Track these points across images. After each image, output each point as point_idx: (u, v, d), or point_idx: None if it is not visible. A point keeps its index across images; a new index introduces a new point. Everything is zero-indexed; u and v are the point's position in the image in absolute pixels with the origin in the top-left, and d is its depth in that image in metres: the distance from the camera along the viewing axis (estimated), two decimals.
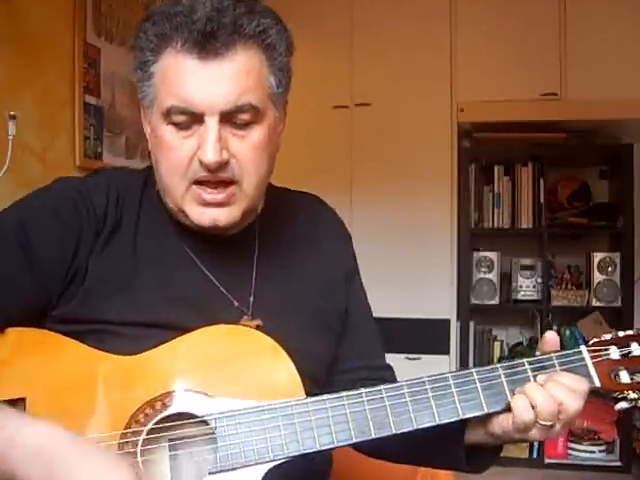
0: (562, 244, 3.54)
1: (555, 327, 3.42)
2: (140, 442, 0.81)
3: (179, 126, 0.87)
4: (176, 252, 0.94)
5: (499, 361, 3.40)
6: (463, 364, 3.42)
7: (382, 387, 0.84)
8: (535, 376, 0.85)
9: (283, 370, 0.85)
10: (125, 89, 2.70)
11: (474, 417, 0.84)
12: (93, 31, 2.51)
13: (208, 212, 0.89)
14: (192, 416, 0.82)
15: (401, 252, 3.40)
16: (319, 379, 0.98)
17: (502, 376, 0.85)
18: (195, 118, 0.86)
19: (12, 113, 2.01)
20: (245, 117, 0.87)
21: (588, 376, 0.84)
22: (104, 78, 2.57)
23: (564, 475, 3.17)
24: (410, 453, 0.98)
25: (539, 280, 3.44)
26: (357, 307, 1.08)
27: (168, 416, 0.82)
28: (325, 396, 0.83)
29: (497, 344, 3.55)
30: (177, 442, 0.83)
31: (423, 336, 3.34)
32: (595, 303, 3.37)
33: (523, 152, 3.49)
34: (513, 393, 0.83)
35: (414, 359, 3.25)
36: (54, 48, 2.33)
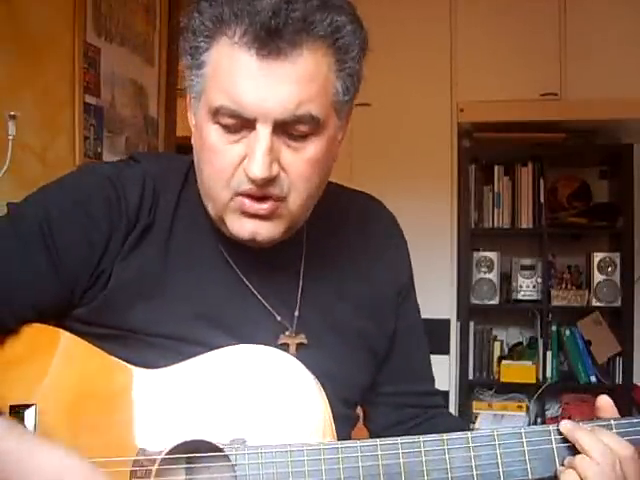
0: (562, 244, 3.53)
1: (555, 327, 3.42)
2: (154, 472, 0.75)
3: (227, 129, 0.77)
4: (213, 258, 0.86)
5: (499, 361, 3.36)
6: (463, 364, 3.42)
7: (421, 439, 0.76)
8: None
9: (315, 405, 0.79)
10: (125, 89, 2.70)
11: None
12: (93, 31, 2.50)
13: (248, 224, 0.80)
14: (212, 446, 0.76)
15: None
16: (351, 401, 0.92)
17: (553, 441, 0.76)
18: (246, 123, 0.76)
19: (12, 113, 2.01)
20: (303, 129, 0.77)
21: None
22: (104, 78, 2.57)
23: None
24: None
25: (539, 280, 3.44)
26: (408, 327, 1.00)
27: (186, 442, 0.77)
28: (358, 442, 0.76)
29: (497, 344, 3.54)
30: (194, 476, 0.77)
31: None
32: (595, 303, 3.37)
33: (523, 152, 3.48)
34: (562, 459, 0.76)
35: None
36: (54, 48, 2.33)
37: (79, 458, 0.72)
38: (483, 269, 3.47)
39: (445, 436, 0.76)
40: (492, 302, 3.46)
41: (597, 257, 3.38)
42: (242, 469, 0.74)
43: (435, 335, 3.37)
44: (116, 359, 0.81)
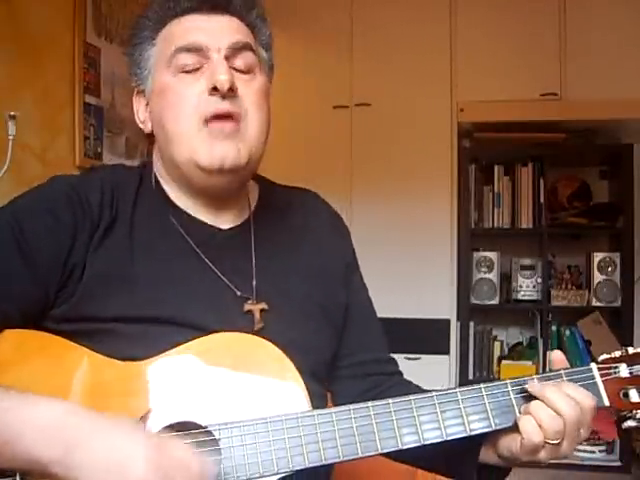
0: (562, 244, 3.54)
1: (555, 327, 3.43)
2: None
3: (186, 70, 0.90)
4: (176, 243, 0.94)
5: (499, 361, 3.38)
6: (463, 364, 3.42)
7: (390, 401, 0.82)
8: None
9: (290, 382, 0.84)
10: (125, 89, 2.70)
11: (483, 435, 0.84)
12: (93, 31, 2.51)
13: (218, 148, 0.89)
14: (196, 426, 0.81)
15: (401, 252, 3.40)
16: (319, 374, 0.98)
17: (511, 392, 0.84)
18: (201, 56, 0.90)
19: (12, 113, 2.01)
20: (247, 60, 0.93)
21: (597, 394, 0.84)
22: (104, 78, 2.57)
23: (564, 475, 3.17)
24: (424, 462, 0.99)
25: (539, 280, 3.44)
26: (359, 300, 1.08)
27: (171, 425, 0.81)
28: (333, 409, 0.82)
29: (497, 344, 3.55)
30: None
31: (423, 336, 3.34)
32: (595, 303, 3.37)
33: (523, 152, 3.48)
34: (520, 409, 0.83)
35: (414, 359, 3.24)
36: (54, 48, 2.33)
37: (78, 405, 0.75)
38: (483, 269, 3.47)
39: (412, 397, 0.83)
40: (492, 302, 3.46)
41: (597, 257, 3.38)
42: (225, 442, 0.79)
43: (435, 335, 3.38)
44: (102, 356, 0.84)
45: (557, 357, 0.88)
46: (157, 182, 0.99)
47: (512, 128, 3.32)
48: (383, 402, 0.82)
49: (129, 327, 0.87)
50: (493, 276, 3.46)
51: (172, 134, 0.92)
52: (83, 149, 2.44)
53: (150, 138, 0.99)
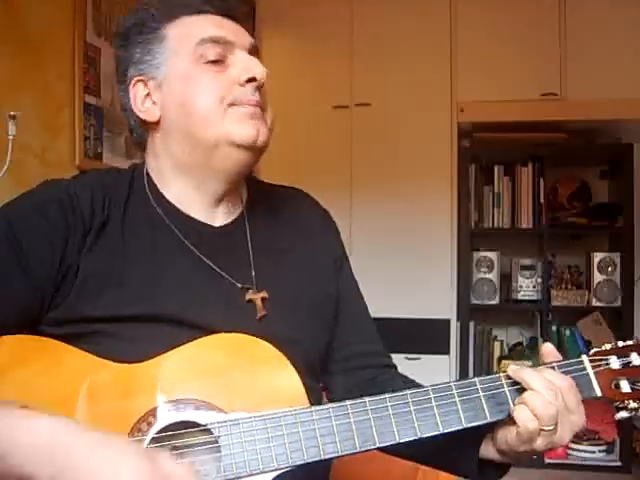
0: (562, 244, 3.54)
1: (555, 327, 3.43)
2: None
3: (209, 59, 0.94)
4: (169, 240, 0.95)
5: (499, 361, 3.39)
6: (463, 364, 3.42)
7: (387, 396, 0.84)
8: None
9: (287, 379, 0.85)
10: None
11: (483, 430, 0.86)
12: (93, 31, 2.51)
13: (252, 123, 0.93)
14: (195, 425, 0.81)
15: (401, 252, 3.40)
16: (315, 369, 0.99)
17: (504, 385, 0.85)
18: (225, 50, 0.95)
19: (12, 113, 2.01)
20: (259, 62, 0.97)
21: (590, 386, 0.86)
22: (104, 78, 2.57)
23: (564, 475, 3.17)
24: (421, 456, 1.00)
25: (539, 280, 3.44)
26: (349, 294, 1.09)
27: (171, 424, 0.81)
28: (329, 405, 0.83)
29: (497, 344, 3.55)
30: (180, 451, 0.82)
31: (423, 336, 3.34)
32: (595, 303, 3.37)
33: (523, 152, 3.48)
34: (514, 400, 0.84)
35: (414, 359, 3.25)
36: (54, 48, 2.33)
37: (66, 420, 0.73)
38: (483, 269, 3.47)
39: (408, 391, 0.84)
40: (492, 302, 3.47)
41: (597, 257, 3.38)
42: (225, 440, 0.80)
43: (435, 335, 3.38)
44: (99, 358, 0.84)
45: (547, 350, 0.89)
46: (150, 181, 1.00)
47: (512, 128, 3.32)
48: (379, 397, 0.83)
49: (124, 327, 0.87)
50: (493, 276, 3.47)
51: (202, 115, 0.93)
52: (83, 149, 2.44)
53: (149, 126, 1.00)
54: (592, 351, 0.89)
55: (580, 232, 3.49)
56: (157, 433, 0.81)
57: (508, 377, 0.85)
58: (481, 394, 0.85)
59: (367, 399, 0.83)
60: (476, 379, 0.86)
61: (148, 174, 1.00)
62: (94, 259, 0.89)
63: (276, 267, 1.01)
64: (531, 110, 3.28)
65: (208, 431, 0.81)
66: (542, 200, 3.42)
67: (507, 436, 0.84)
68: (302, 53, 3.46)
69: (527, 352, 3.48)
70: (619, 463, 3.25)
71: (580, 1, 3.32)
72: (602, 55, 3.24)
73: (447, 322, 3.39)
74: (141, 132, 1.03)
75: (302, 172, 3.05)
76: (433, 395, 0.84)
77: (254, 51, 0.99)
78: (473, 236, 3.49)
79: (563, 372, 0.85)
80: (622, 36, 3.25)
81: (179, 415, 0.82)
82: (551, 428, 0.81)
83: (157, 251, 0.94)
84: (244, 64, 0.95)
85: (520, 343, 3.62)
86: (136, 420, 0.81)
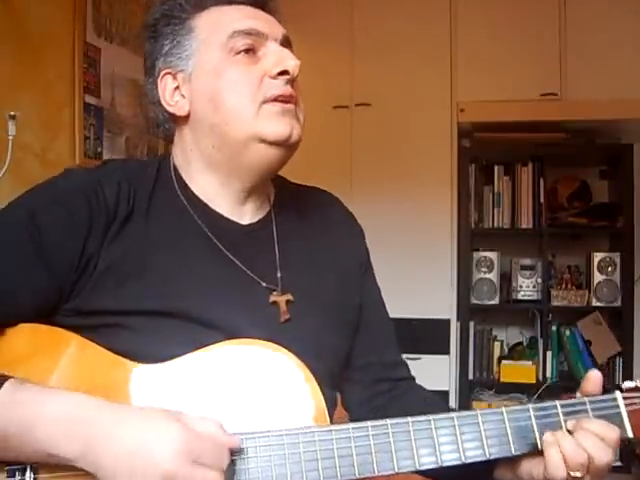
0: (562, 244, 3.53)
1: (555, 327, 3.43)
2: None
3: (241, 50, 0.91)
4: (194, 235, 0.92)
5: (499, 361, 3.37)
6: (463, 364, 3.42)
7: (409, 419, 0.80)
8: (566, 420, 0.81)
9: (308, 393, 0.82)
10: (125, 89, 2.70)
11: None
12: (93, 31, 2.51)
13: (286, 120, 0.91)
14: None
15: (401, 252, 3.40)
16: (334, 377, 0.97)
17: (532, 417, 0.82)
18: (257, 42, 0.92)
19: (12, 113, 2.01)
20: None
21: (621, 425, 0.81)
22: (104, 78, 2.57)
23: None
24: (435, 476, 0.96)
25: (539, 280, 3.44)
26: (371, 302, 1.07)
27: None
28: (350, 425, 0.80)
29: (497, 344, 3.54)
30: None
31: (423, 336, 3.34)
32: (595, 303, 3.37)
33: (523, 152, 3.48)
34: (542, 435, 0.81)
35: (414, 359, 3.24)
36: (54, 48, 2.33)
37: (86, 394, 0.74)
38: (483, 269, 3.47)
39: (431, 416, 0.81)
40: (492, 302, 3.46)
41: (597, 257, 3.38)
42: (239, 453, 0.77)
43: (435, 335, 3.38)
44: (116, 356, 0.83)
45: (593, 377, 0.84)
46: (177, 174, 0.97)
47: (512, 128, 3.32)
48: (402, 420, 0.80)
49: (142, 320, 0.85)
50: (493, 276, 3.46)
51: (232, 112, 0.90)
52: (83, 149, 2.44)
53: (177, 120, 0.96)
54: (625, 386, 0.84)
55: (580, 232, 3.49)
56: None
57: (537, 409, 0.82)
58: (507, 424, 0.81)
59: (389, 421, 0.80)
60: (503, 408, 0.82)
61: (175, 167, 0.98)
62: (115, 251, 0.87)
63: (302, 270, 0.98)
64: (531, 110, 3.28)
65: None
66: (542, 200, 3.42)
67: (532, 470, 0.81)
68: (302, 53, 3.45)
69: (527, 352, 3.48)
70: (619, 463, 3.25)
71: (580, 1, 3.32)
72: (602, 55, 3.24)
73: (447, 322, 3.39)
74: (169, 126, 0.99)
75: (302, 172, 3.03)
76: (457, 423, 0.81)
77: (286, 42, 0.96)
78: (473, 236, 3.49)
79: (594, 408, 0.82)
80: (622, 36, 3.24)
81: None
82: (579, 475, 0.78)
83: (181, 245, 0.91)
84: (276, 56, 0.92)
85: (520, 343, 3.62)
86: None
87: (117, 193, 0.89)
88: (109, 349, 0.83)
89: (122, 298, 0.85)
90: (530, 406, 0.82)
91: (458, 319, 3.43)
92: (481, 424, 0.81)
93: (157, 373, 0.82)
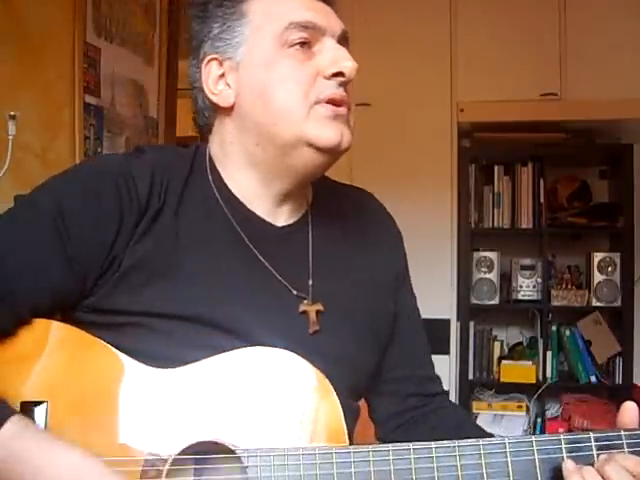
0: (562, 244, 3.53)
1: (555, 327, 3.42)
2: (165, 472, 0.75)
3: (298, 45, 0.86)
4: (226, 234, 0.88)
5: (499, 361, 3.35)
6: (463, 364, 3.42)
7: (433, 445, 0.77)
8: (599, 455, 0.77)
9: (328, 410, 0.79)
10: (125, 89, 2.70)
11: None
12: (93, 31, 2.50)
13: (336, 126, 0.87)
14: (224, 449, 0.76)
15: None
16: (358, 389, 0.93)
17: (564, 450, 0.77)
18: (313, 36, 0.86)
19: (12, 113, 2.01)
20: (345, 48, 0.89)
21: None
22: (104, 78, 2.57)
23: None
24: None
25: (539, 280, 3.44)
26: (407, 313, 1.03)
27: (196, 444, 0.77)
28: (370, 447, 0.77)
29: (497, 344, 3.54)
30: (204, 477, 0.77)
31: None
32: (595, 303, 3.37)
33: (523, 152, 3.48)
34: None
35: None
36: (54, 48, 2.33)
37: (95, 459, 0.72)
38: (483, 269, 3.47)
39: (456, 442, 0.77)
40: (492, 302, 3.46)
41: (597, 257, 3.38)
42: (253, 471, 0.74)
43: (435, 335, 3.36)
44: (127, 357, 0.80)
45: (629, 408, 0.80)
46: (212, 164, 0.92)
47: (512, 128, 3.32)
48: (425, 445, 0.77)
49: (163, 323, 0.81)
50: (493, 276, 3.46)
51: (281, 111, 0.85)
52: (83, 149, 2.44)
53: (219, 110, 0.91)
54: None
55: (580, 232, 3.49)
56: (182, 452, 0.76)
57: (568, 441, 0.77)
58: (536, 456, 0.77)
59: (412, 445, 0.76)
60: (533, 437, 0.78)
61: (211, 157, 0.92)
62: (142, 249, 0.83)
63: (335, 278, 0.93)
64: (531, 110, 3.28)
65: (237, 459, 0.76)
66: (542, 200, 3.41)
67: None
68: None
69: (527, 352, 3.48)
70: None
71: (580, 1, 3.32)
72: (602, 55, 3.23)
73: (447, 322, 3.39)
74: (209, 114, 0.93)
75: None
76: (484, 451, 0.77)
77: (344, 40, 0.90)
78: (473, 236, 3.48)
79: (630, 444, 0.77)
80: (622, 36, 3.24)
81: (206, 433, 0.77)
82: None
83: (211, 245, 0.87)
84: (332, 55, 0.87)
85: (520, 343, 3.61)
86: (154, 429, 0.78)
87: (150, 185, 0.85)
88: (127, 348, 0.81)
89: (146, 298, 0.82)
90: (562, 437, 0.78)
91: (458, 319, 3.42)
92: (509, 455, 0.76)
93: (173, 378, 0.80)
